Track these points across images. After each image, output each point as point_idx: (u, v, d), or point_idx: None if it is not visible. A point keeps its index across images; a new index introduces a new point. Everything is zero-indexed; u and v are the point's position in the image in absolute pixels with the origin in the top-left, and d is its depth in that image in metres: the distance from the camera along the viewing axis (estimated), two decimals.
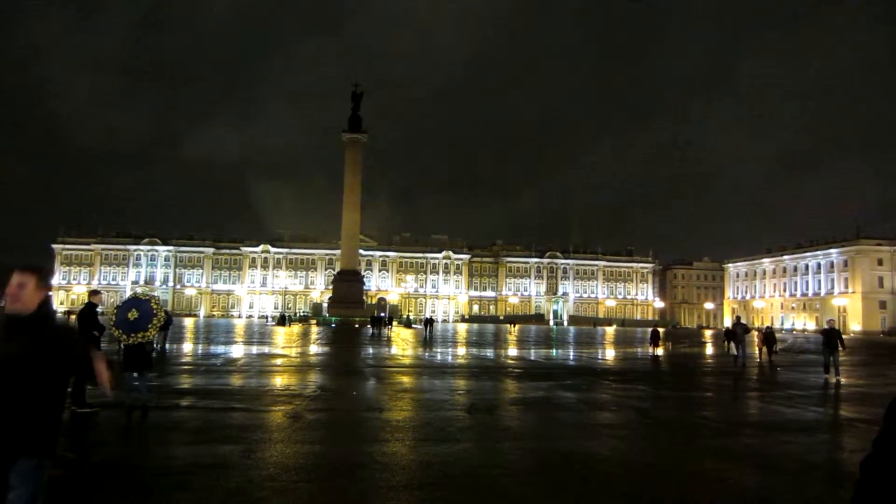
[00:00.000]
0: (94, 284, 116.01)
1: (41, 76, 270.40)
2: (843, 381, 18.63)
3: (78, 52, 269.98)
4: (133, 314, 10.52)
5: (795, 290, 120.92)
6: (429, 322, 52.58)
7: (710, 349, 37.95)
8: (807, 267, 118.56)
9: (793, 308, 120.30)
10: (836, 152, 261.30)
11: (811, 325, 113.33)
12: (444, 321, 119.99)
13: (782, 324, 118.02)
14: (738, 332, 25.31)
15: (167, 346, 28.38)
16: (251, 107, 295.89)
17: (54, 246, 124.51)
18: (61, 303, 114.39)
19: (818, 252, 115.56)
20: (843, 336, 21.48)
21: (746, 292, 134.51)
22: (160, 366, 17.76)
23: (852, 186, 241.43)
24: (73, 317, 40.21)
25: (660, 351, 29.59)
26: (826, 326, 20.58)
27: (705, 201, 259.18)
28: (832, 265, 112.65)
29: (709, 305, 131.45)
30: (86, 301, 11.74)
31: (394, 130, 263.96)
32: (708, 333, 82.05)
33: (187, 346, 28.71)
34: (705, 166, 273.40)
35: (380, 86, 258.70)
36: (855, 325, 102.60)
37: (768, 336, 26.98)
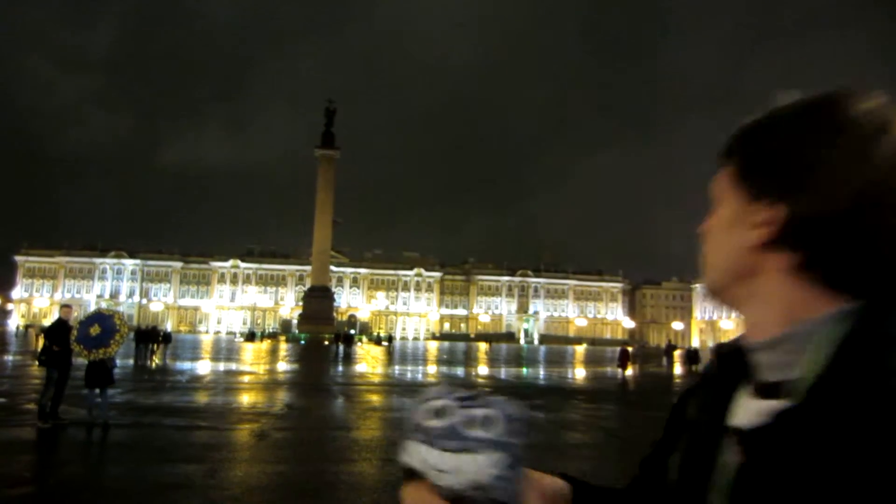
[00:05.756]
0: (58, 298, 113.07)
1: (21, 69, 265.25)
2: None
3: (63, 47, 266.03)
4: (95, 329, 10.31)
5: None
6: (389, 339, 56.91)
7: (678, 369, 38.40)
8: None
9: None
10: None
11: None
12: (416, 339, 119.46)
13: None
14: (670, 351, 37.28)
15: (164, 362, 28.17)
16: (231, 115, 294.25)
17: (17, 258, 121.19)
18: (22, 316, 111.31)
19: None
20: None
21: (713, 312, 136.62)
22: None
23: None
24: (40, 334, 39.25)
25: (629, 372, 28.64)
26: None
27: (675, 222, 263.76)
28: None
29: (677, 325, 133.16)
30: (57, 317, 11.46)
31: (368, 148, 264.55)
32: (676, 353, 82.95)
33: (147, 363, 28.14)
34: (676, 188, 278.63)
35: (355, 102, 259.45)
36: None
37: None
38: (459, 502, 0.57)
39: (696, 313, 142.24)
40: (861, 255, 0.59)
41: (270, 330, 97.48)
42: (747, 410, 0.67)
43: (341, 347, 45.57)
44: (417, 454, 0.58)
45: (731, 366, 0.73)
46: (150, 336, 31.23)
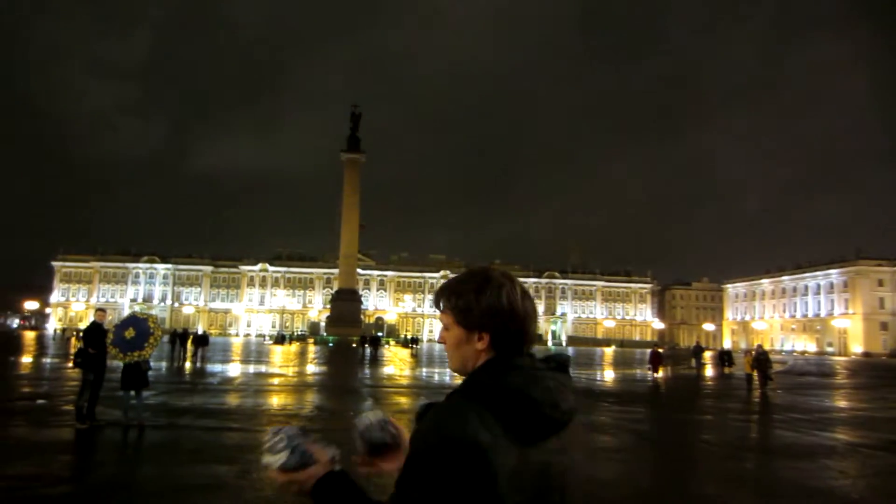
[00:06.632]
0: (93, 302, 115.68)
1: (59, 79, 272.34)
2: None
3: (97, 55, 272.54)
4: (130, 333, 10.48)
5: (795, 311, 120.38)
6: (414, 341, 59.15)
7: (710, 371, 37.79)
8: (806, 288, 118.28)
9: (793, 329, 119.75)
10: (836, 176, 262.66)
11: (812, 347, 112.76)
12: (441, 341, 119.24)
13: (782, 345, 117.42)
14: (698, 352, 38.57)
15: (199, 364, 28.73)
16: (260, 121, 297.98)
17: (54, 263, 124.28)
18: (59, 320, 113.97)
19: (818, 273, 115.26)
20: (844, 358, 22.33)
21: (746, 313, 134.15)
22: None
23: (852, 208, 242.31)
24: (72, 336, 40.12)
25: (660, 374, 27.65)
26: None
27: (705, 222, 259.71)
28: (832, 286, 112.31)
29: (708, 326, 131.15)
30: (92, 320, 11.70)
31: (395, 150, 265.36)
32: (706, 355, 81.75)
33: (185, 364, 28.57)
34: (706, 188, 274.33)
35: (381, 104, 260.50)
36: (856, 347, 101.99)
37: (760, 358, 23.62)
38: (284, 471, 1.41)
39: (728, 314, 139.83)
40: (510, 340, 1.41)
41: (299, 332, 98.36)
42: None
43: (368, 350, 45.71)
44: (265, 458, 1.43)
45: None
46: (185, 338, 32.15)
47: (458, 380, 1.45)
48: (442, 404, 1.34)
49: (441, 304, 1.50)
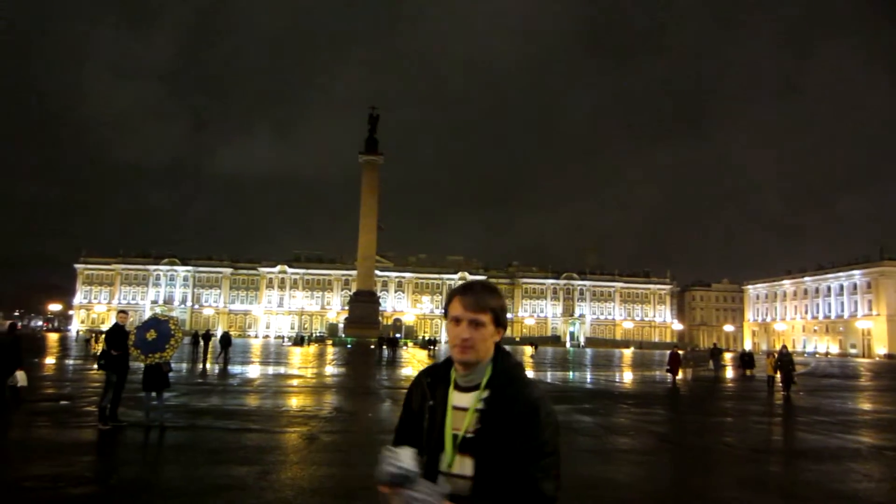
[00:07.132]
0: (115, 304, 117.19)
1: (84, 81, 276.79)
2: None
3: (124, 59, 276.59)
4: (151, 335, 10.61)
5: (817, 312, 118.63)
6: (432, 342, 58.98)
7: (730, 373, 37.33)
8: (829, 289, 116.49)
9: (815, 331, 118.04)
10: (859, 176, 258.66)
11: (834, 349, 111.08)
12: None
13: (804, 347, 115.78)
14: (716, 354, 38.77)
15: (223, 364, 29.04)
16: (279, 123, 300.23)
17: (77, 266, 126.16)
18: (82, 321, 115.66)
19: (840, 273, 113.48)
20: (867, 359, 21.89)
21: (767, 314, 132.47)
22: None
23: (875, 208, 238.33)
24: (97, 339, 40.76)
25: (679, 376, 27.00)
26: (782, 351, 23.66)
27: (725, 223, 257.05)
28: (855, 287, 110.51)
29: (728, 328, 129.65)
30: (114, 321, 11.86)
31: (413, 151, 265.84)
32: (727, 356, 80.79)
33: (207, 366, 28.83)
34: (725, 189, 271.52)
35: (400, 105, 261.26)
36: (880, 349, 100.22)
37: (784, 360, 22.73)
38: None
39: (748, 315, 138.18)
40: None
41: (317, 334, 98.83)
42: (459, 398, 2.00)
43: (387, 351, 45.71)
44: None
45: (441, 375, 2.13)
46: (208, 339, 32.72)
47: None
48: (516, 374, 1.99)
49: (484, 306, 1.96)
